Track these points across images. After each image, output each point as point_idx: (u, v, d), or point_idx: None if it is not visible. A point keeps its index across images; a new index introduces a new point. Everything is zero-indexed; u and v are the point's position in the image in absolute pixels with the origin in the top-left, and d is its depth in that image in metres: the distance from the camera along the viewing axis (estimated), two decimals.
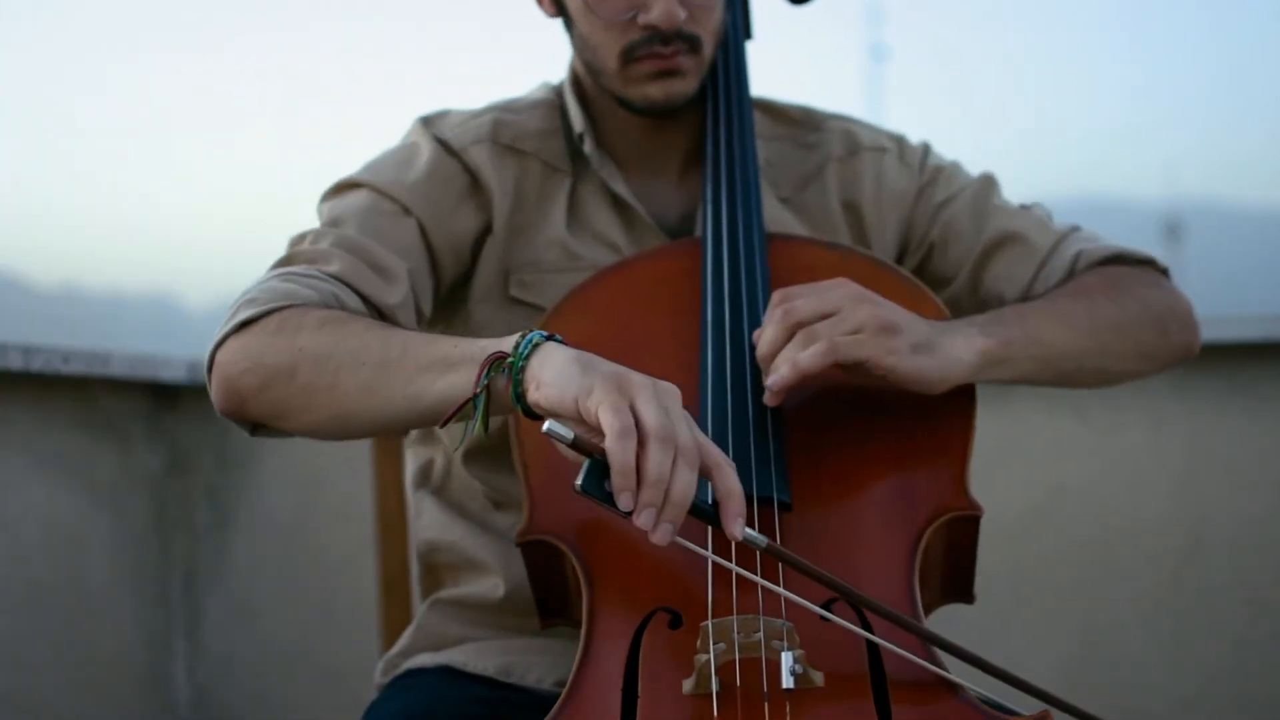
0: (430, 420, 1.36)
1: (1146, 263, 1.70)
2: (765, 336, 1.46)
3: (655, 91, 1.65)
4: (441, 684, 1.61)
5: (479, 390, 1.29)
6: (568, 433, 1.22)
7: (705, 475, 1.24)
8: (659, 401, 1.23)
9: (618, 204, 1.71)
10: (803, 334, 1.44)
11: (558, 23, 1.72)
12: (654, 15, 1.59)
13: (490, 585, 1.66)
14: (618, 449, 1.20)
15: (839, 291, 1.47)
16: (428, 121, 1.72)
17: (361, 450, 2.04)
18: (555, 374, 1.26)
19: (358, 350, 1.39)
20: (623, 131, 1.72)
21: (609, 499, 1.23)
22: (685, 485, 1.22)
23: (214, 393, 1.47)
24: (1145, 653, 2.65)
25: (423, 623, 1.70)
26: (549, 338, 1.30)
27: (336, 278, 1.53)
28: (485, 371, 1.29)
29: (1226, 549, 2.64)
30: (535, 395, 1.27)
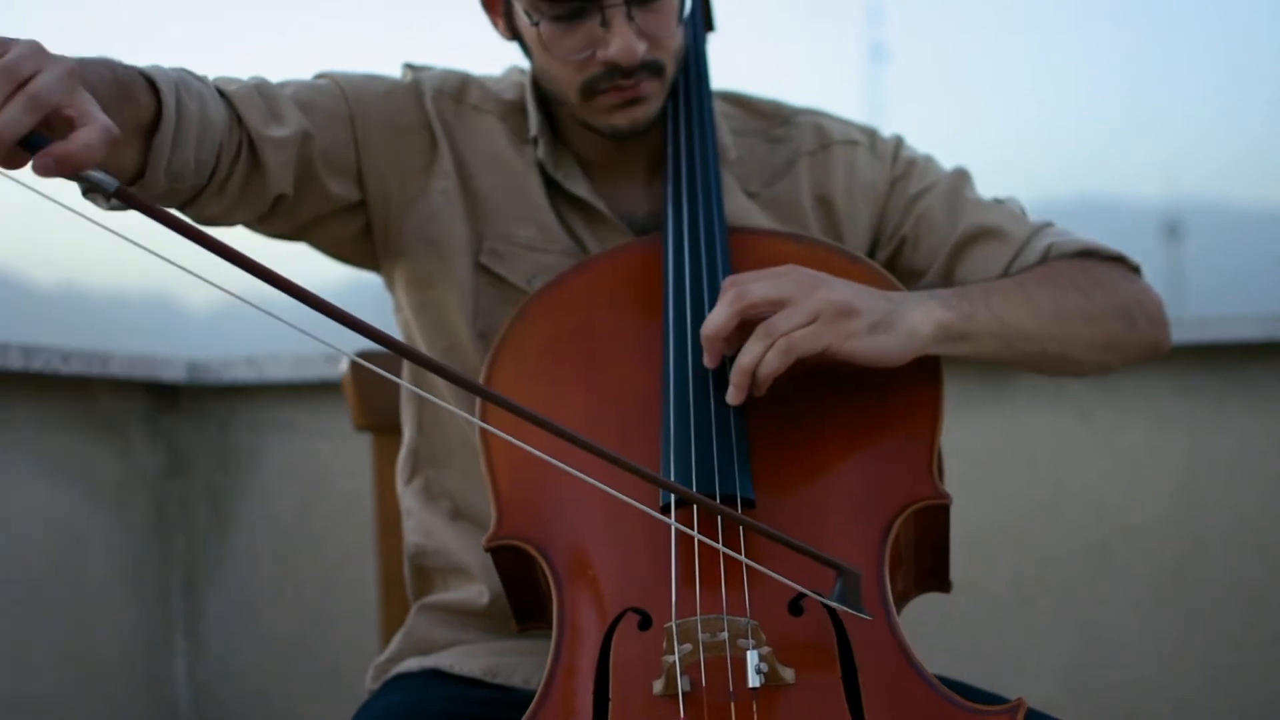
0: None
1: (1117, 259, 1.69)
2: (713, 317, 1.46)
3: (620, 120, 1.63)
4: (428, 686, 1.61)
5: None
6: None
7: (71, 126, 1.17)
8: (37, 54, 1.16)
9: (577, 201, 1.71)
10: (761, 332, 1.44)
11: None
12: (612, 52, 1.57)
13: (475, 592, 1.67)
14: None
15: (791, 278, 1.47)
16: (411, 67, 1.76)
17: (362, 450, 2.04)
18: None
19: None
20: (587, 137, 1.71)
21: None
22: (6, 119, 1.13)
23: None
24: (1145, 653, 2.65)
25: (411, 628, 1.71)
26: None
27: (224, 93, 1.55)
28: None
29: (1226, 549, 2.64)
30: None
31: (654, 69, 1.61)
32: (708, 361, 1.47)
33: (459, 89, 1.73)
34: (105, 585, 2.77)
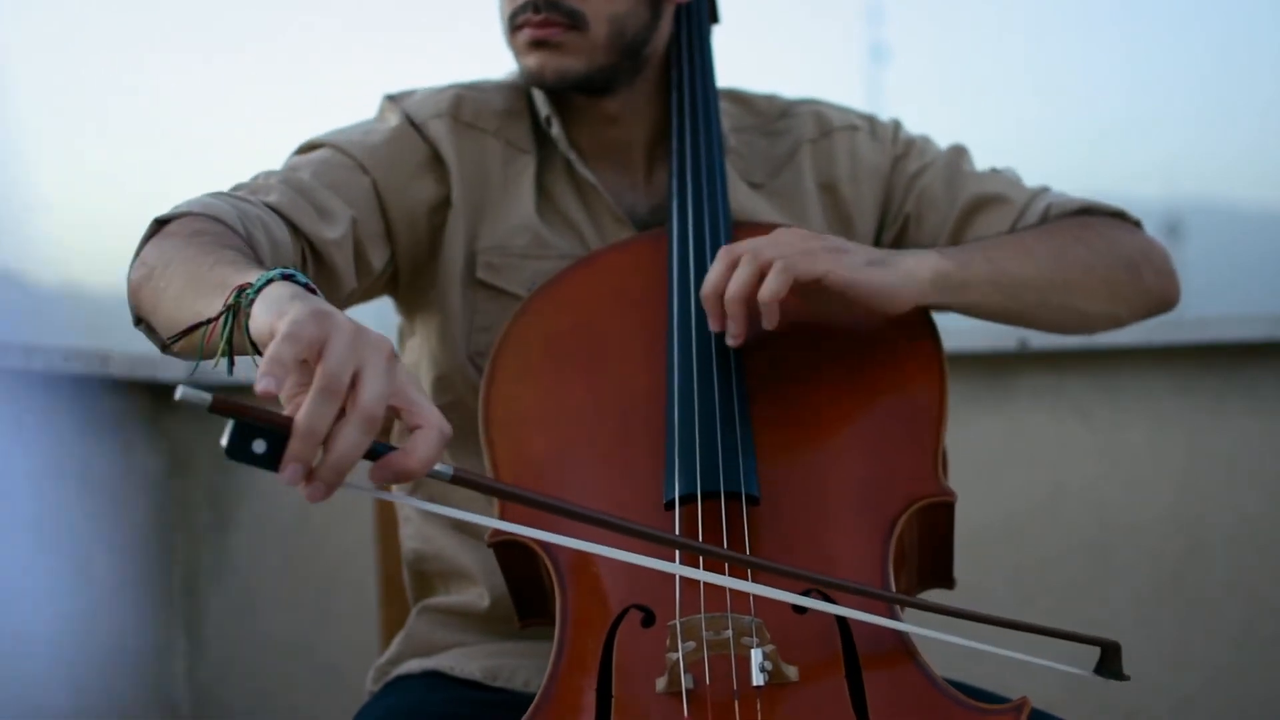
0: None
1: (1117, 214, 1.71)
2: (710, 274, 1.47)
3: (530, 62, 1.66)
4: (428, 687, 1.61)
5: (218, 314, 1.20)
6: (204, 397, 1.06)
7: (397, 416, 1.13)
8: (354, 350, 1.08)
9: (581, 190, 1.71)
10: (750, 258, 1.44)
11: None
12: None
13: (476, 595, 1.67)
14: (268, 376, 1.07)
15: (784, 231, 1.49)
16: (394, 98, 1.74)
17: None
18: (270, 303, 1.15)
19: (189, 260, 1.30)
20: (583, 124, 1.72)
21: (263, 460, 1.09)
22: (348, 446, 1.08)
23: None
24: (1145, 653, 2.65)
25: (412, 630, 1.71)
26: (292, 277, 1.19)
27: (271, 207, 1.52)
28: (231, 296, 1.20)
29: (1226, 549, 2.64)
30: (251, 325, 1.17)
31: (572, 18, 1.63)
32: (713, 325, 1.47)
33: (453, 106, 1.72)
34: (105, 585, 2.77)
